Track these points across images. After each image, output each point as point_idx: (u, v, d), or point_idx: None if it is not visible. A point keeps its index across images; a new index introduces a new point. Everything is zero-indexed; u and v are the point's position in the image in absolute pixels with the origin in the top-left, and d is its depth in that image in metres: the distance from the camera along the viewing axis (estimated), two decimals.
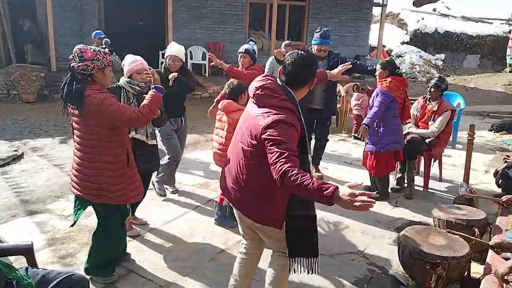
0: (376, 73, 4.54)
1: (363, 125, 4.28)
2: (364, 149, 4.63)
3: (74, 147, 2.87)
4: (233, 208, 2.50)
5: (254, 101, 2.29)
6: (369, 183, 4.76)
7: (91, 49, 2.68)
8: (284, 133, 2.06)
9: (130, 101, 3.41)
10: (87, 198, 2.82)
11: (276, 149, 2.01)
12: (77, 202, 2.92)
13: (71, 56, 2.70)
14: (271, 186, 2.17)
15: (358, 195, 1.81)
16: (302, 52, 2.34)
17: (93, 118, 2.66)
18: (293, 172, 1.91)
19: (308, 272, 2.34)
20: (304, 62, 2.28)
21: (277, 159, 1.98)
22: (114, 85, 3.46)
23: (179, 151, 4.44)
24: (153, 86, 2.92)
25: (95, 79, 2.69)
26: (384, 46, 14.33)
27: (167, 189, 4.60)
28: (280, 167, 1.94)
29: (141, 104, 2.80)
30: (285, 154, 1.98)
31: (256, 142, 2.18)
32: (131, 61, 3.45)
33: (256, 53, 4.76)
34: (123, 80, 3.45)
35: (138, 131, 3.49)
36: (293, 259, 2.33)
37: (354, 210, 1.82)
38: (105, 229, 2.94)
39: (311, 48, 4.91)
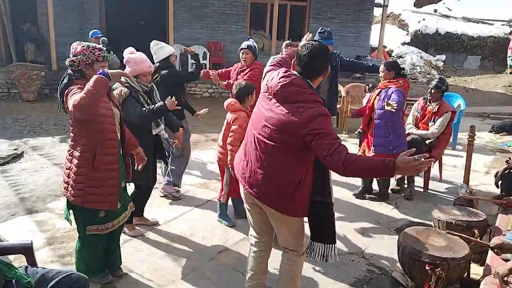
0: (381, 74, 4.50)
1: (392, 101, 4.06)
2: (367, 152, 4.53)
3: None
4: (254, 205, 2.49)
5: (278, 98, 2.29)
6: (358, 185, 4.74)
7: (81, 45, 2.66)
8: (326, 124, 2.18)
9: (145, 99, 3.41)
10: (63, 193, 2.80)
11: (326, 141, 2.12)
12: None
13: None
14: (303, 177, 2.29)
15: (417, 159, 2.01)
16: (316, 42, 2.38)
17: (67, 110, 2.64)
18: (354, 158, 2.10)
19: (326, 260, 2.38)
20: (319, 52, 2.32)
21: (332, 150, 2.10)
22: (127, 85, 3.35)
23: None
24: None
25: (85, 75, 2.66)
26: (385, 47, 14.33)
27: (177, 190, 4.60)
28: (340, 157, 2.08)
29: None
30: (337, 144, 2.12)
31: (291, 138, 2.22)
32: (139, 61, 3.36)
33: (257, 49, 4.77)
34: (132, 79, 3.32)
35: (160, 127, 3.54)
36: (311, 244, 2.40)
37: (415, 172, 2.30)
38: (78, 232, 2.87)
39: None
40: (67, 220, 2.87)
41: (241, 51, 4.68)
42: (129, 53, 3.42)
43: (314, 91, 2.29)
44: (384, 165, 2.04)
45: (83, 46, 2.65)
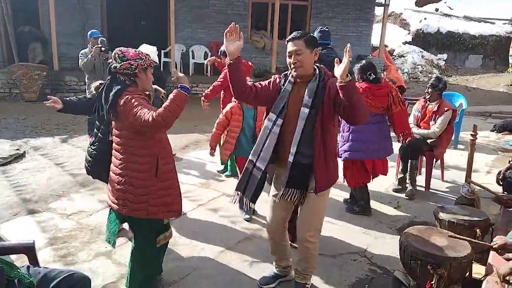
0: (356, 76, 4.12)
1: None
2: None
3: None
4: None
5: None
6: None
7: (131, 50, 2.60)
8: None
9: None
10: (115, 209, 2.65)
11: None
12: (112, 214, 2.80)
13: (110, 60, 2.60)
14: None
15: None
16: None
17: (121, 120, 2.51)
18: None
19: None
20: None
21: None
22: None
23: None
24: (178, 85, 2.52)
25: (137, 80, 2.56)
26: (386, 46, 14.30)
27: None
28: None
29: (163, 106, 2.43)
30: None
31: None
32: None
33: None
34: None
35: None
36: None
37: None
38: (136, 245, 2.74)
39: None
40: (111, 243, 2.78)
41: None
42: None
43: None
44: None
45: (135, 51, 2.59)
